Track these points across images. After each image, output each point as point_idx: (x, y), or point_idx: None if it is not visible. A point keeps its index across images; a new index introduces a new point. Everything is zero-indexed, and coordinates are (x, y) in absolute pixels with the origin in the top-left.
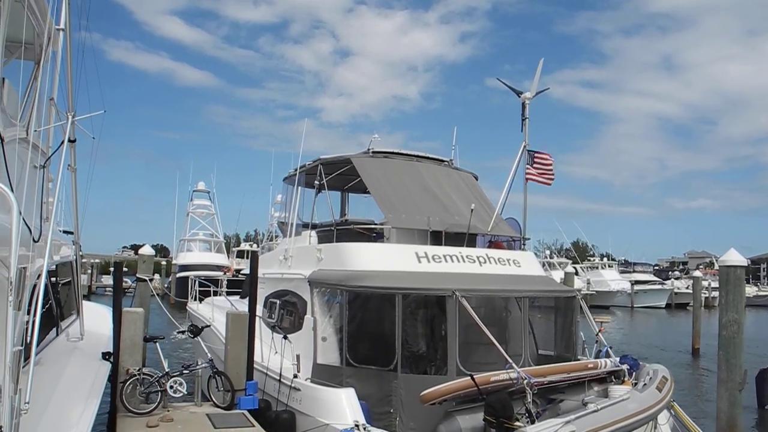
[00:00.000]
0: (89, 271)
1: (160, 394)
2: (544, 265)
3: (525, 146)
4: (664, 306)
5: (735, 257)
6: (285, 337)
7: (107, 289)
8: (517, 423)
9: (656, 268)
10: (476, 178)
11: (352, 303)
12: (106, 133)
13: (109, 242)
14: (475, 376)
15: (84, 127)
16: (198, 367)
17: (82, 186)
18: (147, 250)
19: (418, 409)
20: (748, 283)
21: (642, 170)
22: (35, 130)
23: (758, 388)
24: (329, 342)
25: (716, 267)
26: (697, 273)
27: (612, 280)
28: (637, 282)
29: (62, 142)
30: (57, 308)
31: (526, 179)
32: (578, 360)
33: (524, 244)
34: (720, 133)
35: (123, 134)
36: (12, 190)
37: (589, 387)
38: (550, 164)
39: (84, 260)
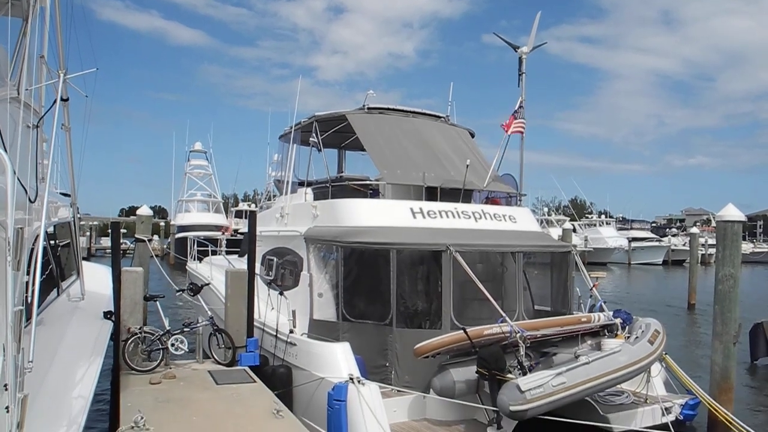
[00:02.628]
0: (88, 234)
1: (161, 351)
2: (542, 222)
3: (522, 102)
4: (660, 263)
5: (732, 212)
6: (281, 294)
7: (107, 251)
8: (509, 375)
9: (654, 225)
10: (472, 135)
11: (347, 259)
12: (100, 95)
13: (107, 205)
14: (468, 330)
15: (77, 86)
16: (198, 325)
17: (77, 146)
18: (145, 210)
19: (412, 362)
20: (744, 240)
21: (640, 127)
22: (26, 89)
23: (752, 342)
24: (325, 298)
25: (713, 224)
26: (694, 230)
27: (609, 237)
28: (635, 239)
29: (54, 101)
30: (57, 269)
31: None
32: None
33: (520, 200)
34: (719, 90)
35: (117, 96)
36: (5, 150)
37: (582, 340)
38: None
39: (82, 223)
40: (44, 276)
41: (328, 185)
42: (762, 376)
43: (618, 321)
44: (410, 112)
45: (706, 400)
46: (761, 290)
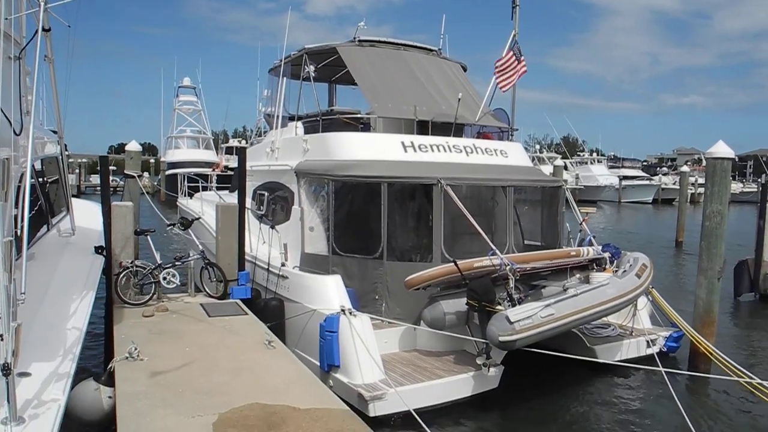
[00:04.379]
0: (77, 171)
1: (153, 285)
2: (533, 160)
3: (515, 35)
4: (650, 201)
5: (722, 149)
6: (273, 228)
7: (96, 188)
8: (499, 307)
9: (645, 164)
10: (465, 69)
11: (338, 193)
12: (85, 30)
13: (96, 143)
14: (458, 263)
15: (59, 16)
16: (190, 258)
17: (62, 80)
18: (134, 146)
19: (403, 294)
20: (734, 180)
21: (635, 65)
22: (6, 19)
23: (736, 279)
24: (316, 232)
25: (704, 164)
26: (685, 168)
27: (600, 175)
28: (626, 177)
29: (36, 31)
30: (46, 204)
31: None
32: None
33: (512, 135)
34: (715, 28)
35: (103, 32)
36: None
37: (571, 274)
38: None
39: (71, 160)
40: (33, 211)
41: (318, 119)
42: (744, 311)
43: (606, 255)
44: (402, 45)
45: (689, 333)
46: (748, 229)
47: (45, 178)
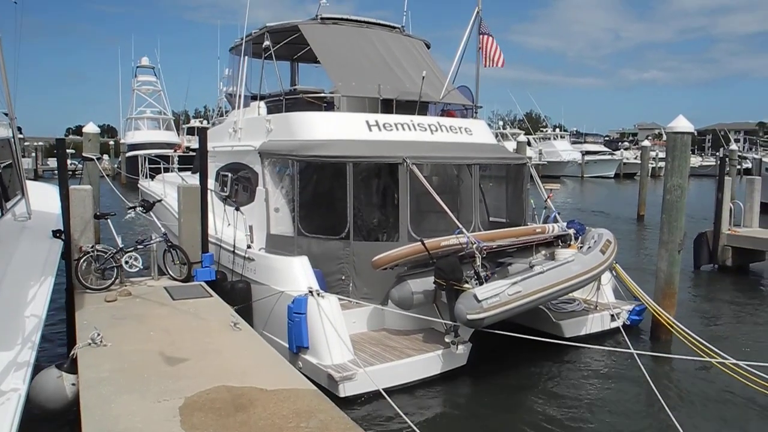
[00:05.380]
0: (33, 155)
1: (116, 269)
2: (497, 135)
3: (478, 11)
4: (613, 176)
5: (683, 123)
6: (237, 209)
7: (55, 172)
8: (466, 285)
9: (607, 139)
10: (428, 46)
11: (303, 173)
12: (35, 6)
13: (53, 125)
14: (425, 241)
15: None
16: (152, 241)
17: (10, 58)
18: (91, 127)
19: (370, 274)
20: (693, 153)
21: (596, 41)
22: None
23: (695, 251)
24: (282, 212)
25: (665, 138)
26: (646, 143)
27: (563, 150)
28: (588, 152)
29: None
30: None
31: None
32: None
33: (476, 113)
34: (675, 3)
35: (54, 7)
36: None
37: (536, 251)
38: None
39: (27, 143)
40: None
41: (281, 98)
42: (704, 282)
43: (571, 231)
44: (365, 22)
45: (650, 307)
46: (707, 201)
47: None
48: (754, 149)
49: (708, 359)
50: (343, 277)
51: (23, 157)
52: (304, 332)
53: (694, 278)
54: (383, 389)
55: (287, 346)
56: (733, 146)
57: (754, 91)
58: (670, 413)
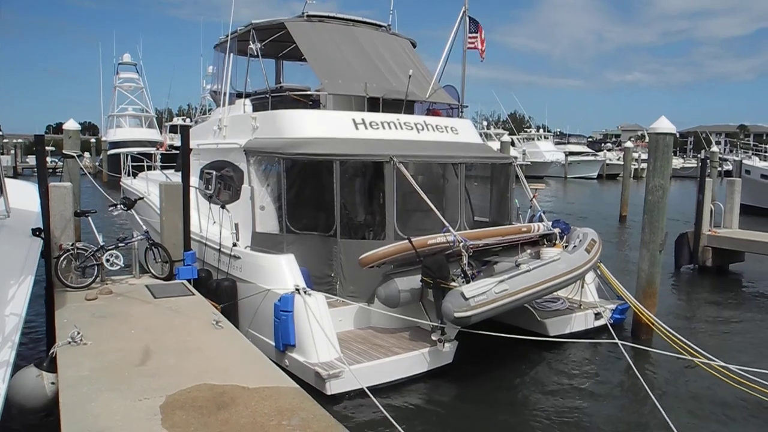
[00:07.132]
0: (13, 152)
1: (96, 267)
2: (481, 136)
3: (465, 11)
4: (596, 177)
5: (665, 125)
6: (223, 207)
7: (34, 170)
8: (453, 283)
9: (590, 140)
10: (414, 45)
11: (289, 171)
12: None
13: (33, 123)
14: (412, 240)
15: None
16: (134, 239)
17: None
18: (71, 124)
19: (357, 272)
20: (675, 155)
21: (580, 43)
22: None
23: (677, 251)
24: (268, 210)
25: (647, 140)
26: (629, 144)
27: (547, 151)
28: (571, 153)
29: None
30: None
31: (469, 47)
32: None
33: (462, 112)
34: (657, 6)
35: (34, 3)
36: None
37: (522, 249)
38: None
39: (5, 141)
40: None
41: (267, 96)
42: (684, 282)
43: (557, 231)
44: (351, 20)
45: (633, 305)
46: (688, 203)
47: None
48: (734, 151)
49: (689, 358)
50: (331, 275)
51: (2, 154)
52: (291, 330)
53: (675, 278)
54: (371, 387)
55: (273, 344)
56: (715, 148)
57: (735, 94)
58: (657, 403)
